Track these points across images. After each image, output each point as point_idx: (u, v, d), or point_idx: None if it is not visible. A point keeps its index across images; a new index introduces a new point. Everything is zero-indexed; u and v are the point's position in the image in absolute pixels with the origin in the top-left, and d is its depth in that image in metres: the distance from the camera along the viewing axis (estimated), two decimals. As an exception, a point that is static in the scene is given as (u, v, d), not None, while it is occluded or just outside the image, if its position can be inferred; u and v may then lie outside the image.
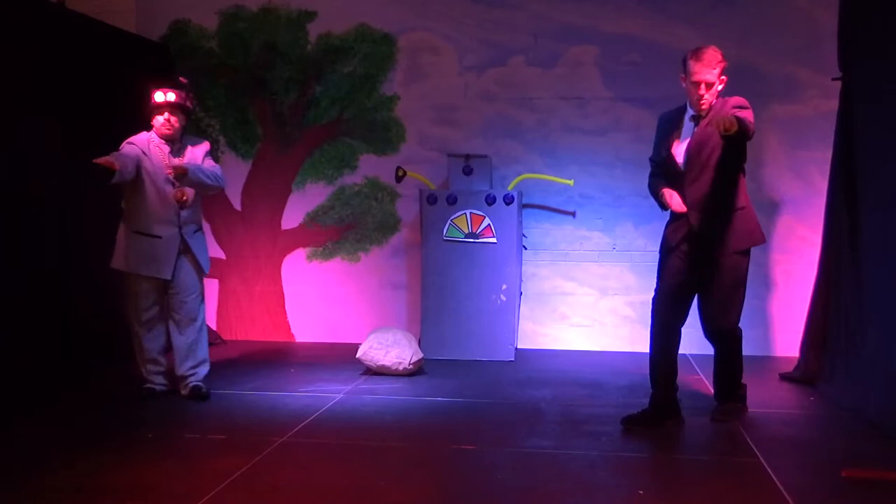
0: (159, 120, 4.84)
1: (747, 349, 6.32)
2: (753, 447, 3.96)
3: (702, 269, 4.32)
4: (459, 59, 6.76)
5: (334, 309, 6.96)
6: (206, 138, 5.86)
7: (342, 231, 6.95)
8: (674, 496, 3.33)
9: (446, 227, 6.27)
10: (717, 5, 6.43)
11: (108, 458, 3.76)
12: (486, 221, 6.23)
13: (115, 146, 5.65)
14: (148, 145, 4.84)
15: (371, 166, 6.87)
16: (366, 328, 6.30)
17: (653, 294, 4.49)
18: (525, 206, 6.62)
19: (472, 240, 6.26)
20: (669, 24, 6.47)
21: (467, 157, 6.39)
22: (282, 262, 7.00)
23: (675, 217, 4.39)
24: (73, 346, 5.61)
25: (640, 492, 3.37)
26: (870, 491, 3.35)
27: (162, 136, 4.86)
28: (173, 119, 4.84)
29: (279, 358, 6.24)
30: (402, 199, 6.84)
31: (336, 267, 6.97)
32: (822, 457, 3.91)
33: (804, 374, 5.37)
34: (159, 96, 4.82)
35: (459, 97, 6.77)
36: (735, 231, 4.26)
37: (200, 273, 5.02)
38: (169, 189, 4.81)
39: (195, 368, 5.01)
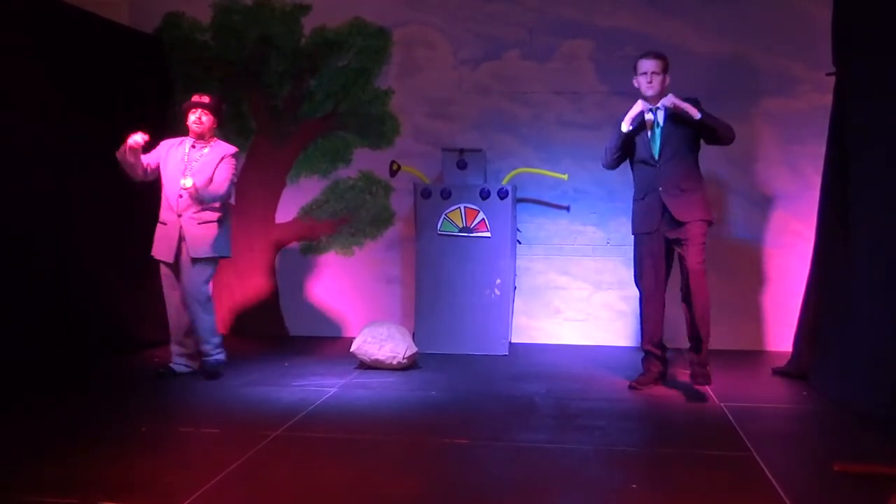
0: (191, 118, 5.34)
1: (740, 343, 6.40)
2: (746, 441, 3.97)
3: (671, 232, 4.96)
4: (454, 52, 6.76)
5: (328, 303, 6.96)
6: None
7: (336, 225, 6.95)
8: (667, 490, 3.33)
9: (440, 221, 6.27)
10: (711, 0, 6.44)
11: (101, 451, 3.75)
12: (481, 215, 6.23)
13: (109, 139, 5.68)
14: (174, 144, 5.39)
15: (365, 160, 6.87)
16: (360, 322, 6.30)
17: (636, 272, 5.12)
18: (519, 200, 6.62)
19: (466, 234, 6.26)
20: (664, 19, 6.48)
21: (462, 151, 6.39)
22: (276, 255, 6.99)
23: (645, 193, 4.99)
24: (71, 342, 5.60)
25: (634, 486, 3.38)
26: (862, 484, 3.37)
27: (193, 133, 5.36)
28: (204, 117, 5.33)
29: (273, 352, 6.23)
30: (396, 192, 6.83)
31: (330, 261, 6.97)
32: (814, 451, 3.92)
33: (797, 368, 5.38)
34: (195, 97, 5.39)
35: (454, 91, 6.76)
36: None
37: (198, 260, 5.26)
38: (178, 180, 5.22)
39: (206, 348, 5.39)
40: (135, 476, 3.44)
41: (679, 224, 4.88)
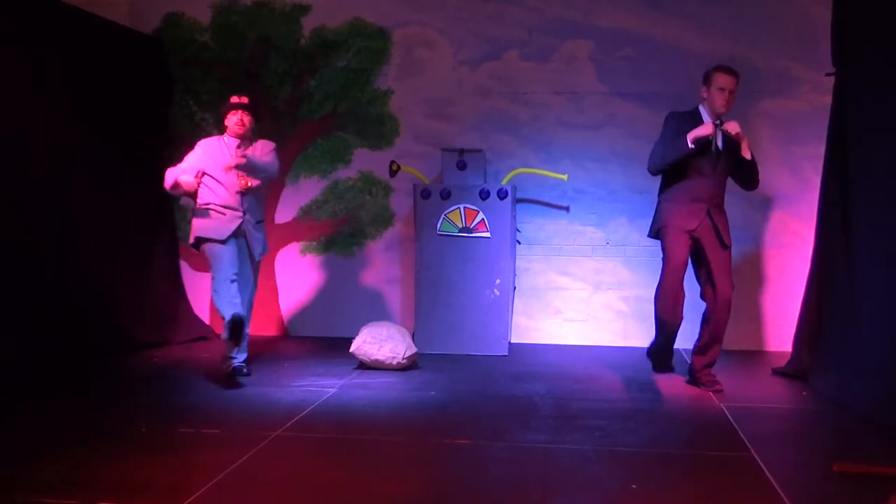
0: (232, 119, 5.32)
1: (740, 344, 6.40)
2: (746, 441, 3.97)
3: (710, 251, 4.94)
4: (454, 53, 6.76)
5: (328, 303, 6.95)
6: (202, 132, 5.85)
7: (336, 225, 6.95)
8: (667, 490, 3.34)
9: (440, 221, 6.27)
10: (711, 0, 6.44)
11: (102, 452, 3.75)
12: (480, 216, 6.23)
13: (109, 140, 5.66)
14: (216, 144, 5.33)
15: (365, 160, 6.86)
16: (359, 322, 6.29)
17: (662, 270, 4.99)
18: (519, 200, 6.62)
19: (465, 234, 6.25)
20: (664, 19, 6.48)
21: (461, 151, 6.38)
22: (275, 256, 6.98)
23: (690, 200, 4.91)
24: (71, 342, 5.59)
25: (634, 486, 3.38)
26: (860, 485, 3.37)
27: (234, 134, 5.32)
28: (245, 119, 5.32)
29: (273, 352, 6.23)
30: (395, 193, 6.83)
31: (330, 261, 6.97)
32: (813, 451, 3.93)
33: (797, 369, 5.38)
34: (234, 99, 5.37)
35: (453, 91, 6.76)
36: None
37: (254, 262, 5.41)
38: (233, 180, 5.22)
39: (242, 352, 5.37)
40: (135, 476, 3.44)
41: (720, 245, 4.93)
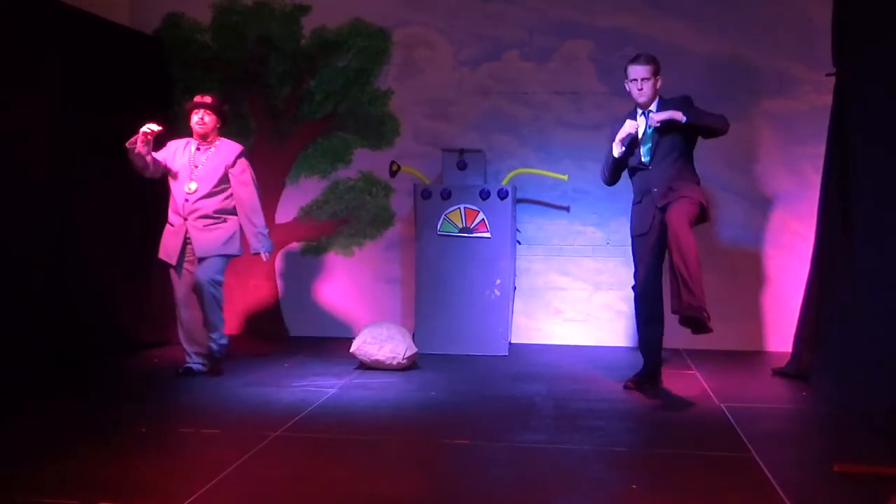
0: (194, 119, 5.37)
1: (740, 344, 6.40)
2: (746, 442, 3.97)
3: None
4: (454, 53, 6.76)
5: (328, 303, 6.95)
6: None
7: (336, 225, 6.95)
8: (667, 491, 3.33)
9: (440, 221, 6.27)
10: (711, 0, 6.44)
11: (101, 452, 3.75)
12: (481, 216, 6.23)
13: (109, 140, 5.65)
14: (180, 146, 5.43)
15: (365, 161, 6.87)
16: (360, 322, 6.31)
17: (633, 272, 5.04)
18: (519, 200, 6.62)
19: (466, 234, 6.26)
20: (664, 19, 6.48)
21: (462, 151, 6.39)
22: (275, 256, 6.98)
23: (641, 194, 4.94)
24: (71, 342, 5.59)
25: (634, 486, 3.38)
26: (861, 485, 3.37)
27: (197, 135, 5.39)
28: (207, 118, 5.36)
29: (273, 352, 6.23)
30: (396, 193, 6.83)
31: (330, 261, 6.97)
32: (814, 451, 3.92)
33: (797, 369, 5.38)
34: (197, 98, 5.44)
35: (454, 92, 6.76)
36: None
37: (206, 260, 5.28)
38: (182, 183, 5.32)
39: (210, 344, 5.43)
40: (135, 476, 3.44)
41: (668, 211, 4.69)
